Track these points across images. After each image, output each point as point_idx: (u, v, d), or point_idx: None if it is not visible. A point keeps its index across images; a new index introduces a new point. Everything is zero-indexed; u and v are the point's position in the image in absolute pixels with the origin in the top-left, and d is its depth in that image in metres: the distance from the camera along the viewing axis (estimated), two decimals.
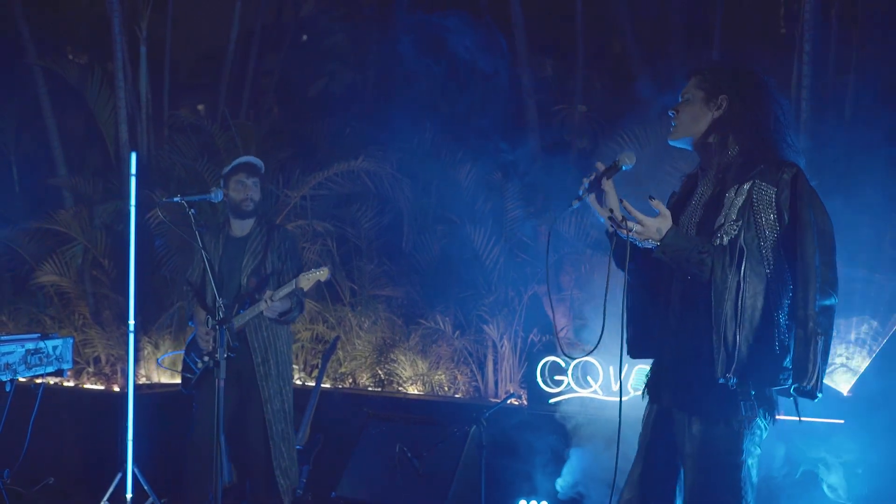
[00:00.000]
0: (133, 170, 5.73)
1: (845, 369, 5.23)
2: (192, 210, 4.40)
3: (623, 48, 8.54)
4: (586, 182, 2.89)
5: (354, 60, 10.17)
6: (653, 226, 2.74)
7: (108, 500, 5.51)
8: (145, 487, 5.54)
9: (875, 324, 5.21)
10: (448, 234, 7.40)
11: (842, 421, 4.95)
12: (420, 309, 7.46)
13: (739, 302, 2.69)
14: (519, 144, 8.03)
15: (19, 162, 9.71)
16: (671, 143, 3.02)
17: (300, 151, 8.60)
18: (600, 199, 2.90)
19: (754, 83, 2.92)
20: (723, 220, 2.77)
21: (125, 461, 5.52)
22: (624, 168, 2.90)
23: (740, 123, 2.87)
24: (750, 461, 2.78)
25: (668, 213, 2.76)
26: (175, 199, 4.56)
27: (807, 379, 2.66)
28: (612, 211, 2.79)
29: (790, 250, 2.72)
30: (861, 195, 5.27)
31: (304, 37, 11.38)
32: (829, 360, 5.18)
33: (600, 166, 2.90)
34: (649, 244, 2.76)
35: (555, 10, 9.12)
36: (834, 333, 2.76)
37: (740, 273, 2.70)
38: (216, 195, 4.75)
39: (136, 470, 5.53)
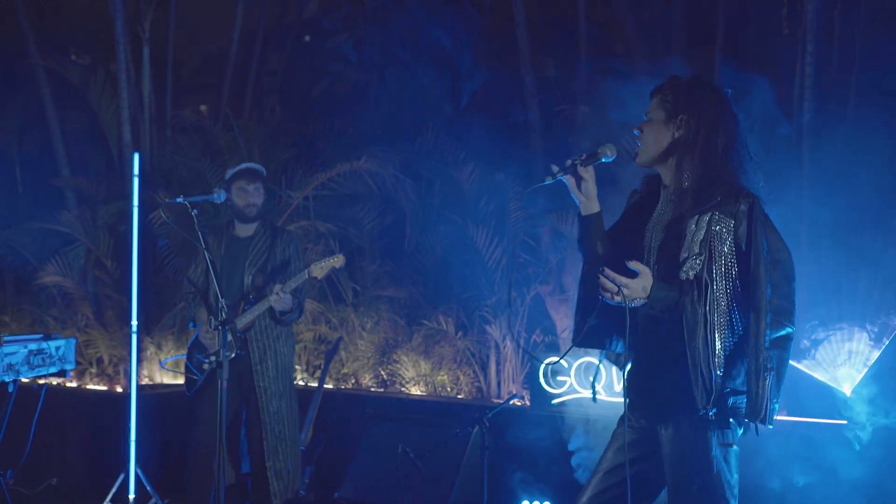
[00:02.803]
0: (136, 170, 5.74)
1: (847, 370, 5.22)
2: (195, 211, 4.40)
3: (626, 48, 8.53)
4: (568, 162, 2.97)
5: (357, 61, 10.18)
6: (638, 286, 2.77)
7: (110, 500, 5.52)
8: (148, 488, 5.54)
9: (875, 329, 5.20)
10: (450, 235, 7.40)
11: (844, 422, 4.95)
12: (422, 309, 7.46)
13: (708, 335, 2.74)
14: (521, 145, 8.03)
15: (22, 162, 9.72)
16: (638, 164, 3.06)
17: (303, 152, 8.60)
18: (579, 184, 3.00)
19: (712, 101, 2.93)
20: (686, 254, 2.81)
21: (128, 462, 5.53)
22: (604, 160, 2.98)
23: (697, 145, 2.89)
24: (721, 455, 2.81)
25: (647, 270, 2.79)
26: (178, 199, 4.55)
27: (755, 414, 2.72)
28: (603, 280, 2.80)
29: (745, 281, 2.78)
30: (864, 196, 5.26)
31: (307, 37, 11.40)
32: (831, 361, 5.19)
33: (582, 155, 2.98)
34: (637, 303, 2.79)
35: (558, 9, 9.12)
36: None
37: (706, 306, 2.75)
38: (219, 196, 4.74)
39: (138, 470, 5.54)
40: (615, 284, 2.76)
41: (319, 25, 10.74)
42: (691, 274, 2.79)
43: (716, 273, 2.77)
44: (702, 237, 2.80)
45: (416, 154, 7.88)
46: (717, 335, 2.75)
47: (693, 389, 2.75)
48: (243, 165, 5.21)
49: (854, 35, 6.88)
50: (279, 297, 4.79)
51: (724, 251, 2.78)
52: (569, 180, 2.98)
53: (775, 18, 8.56)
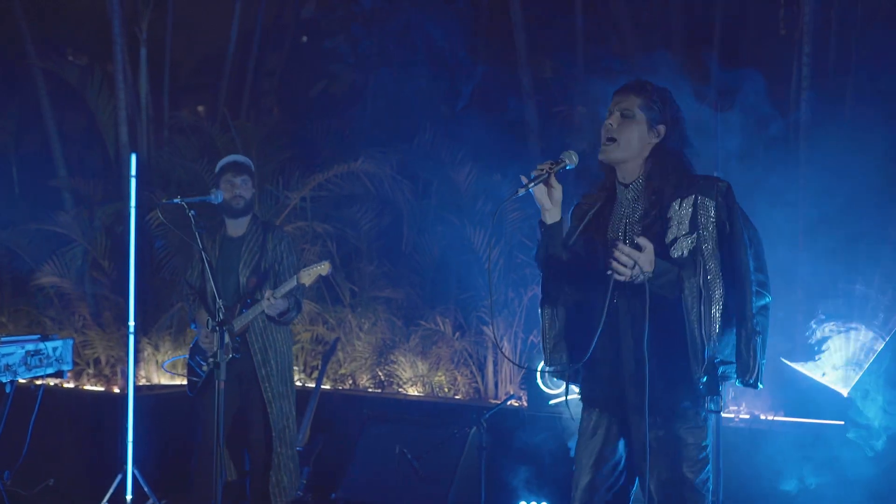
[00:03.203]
0: (133, 171, 5.74)
1: (845, 371, 5.23)
2: (193, 211, 4.40)
3: (623, 49, 8.54)
4: (534, 174, 2.98)
5: (355, 61, 10.19)
6: (647, 260, 2.83)
7: (108, 501, 5.52)
8: (145, 489, 5.54)
9: (872, 333, 5.21)
10: (448, 236, 7.40)
11: (841, 423, 4.95)
12: (420, 310, 7.46)
13: (702, 308, 2.86)
14: (519, 145, 8.04)
15: (19, 163, 9.72)
16: (605, 159, 3.06)
17: (300, 153, 8.60)
18: (549, 192, 3.03)
19: (678, 110, 3.09)
20: (676, 233, 2.93)
21: (125, 462, 5.52)
22: (568, 167, 3.02)
23: (674, 152, 3.05)
24: (708, 436, 3.00)
25: (651, 245, 2.84)
26: (175, 200, 4.56)
27: (749, 373, 2.89)
28: (619, 255, 2.83)
29: (728, 258, 2.93)
30: (861, 197, 5.27)
31: (304, 38, 11.39)
32: (830, 363, 5.20)
33: (550, 163, 3.01)
34: (646, 276, 2.84)
35: (555, 10, 9.13)
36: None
37: (700, 281, 2.88)
38: (216, 197, 4.76)
39: (136, 471, 5.54)
40: (631, 259, 2.80)
41: (317, 26, 10.75)
42: (685, 251, 2.90)
43: (705, 249, 2.90)
44: (689, 216, 2.92)
45: (413, 155, 7.88)
46: (711, 308, 2.87)
47: (690, 361, 2.85)
48: (230, 158, 5.19)
49: (851, 35, 6.89)
50: (271, 303, 4.78)
51: (709, 229, 2.91)
52: (538, 190, 3.01)
53: (772, 19, 8.57)
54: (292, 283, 4.81)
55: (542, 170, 2.98)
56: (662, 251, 2.91)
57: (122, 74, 7.99)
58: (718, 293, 2.87)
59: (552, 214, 3.05)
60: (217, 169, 5.14)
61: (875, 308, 5.30)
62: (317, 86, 10.47)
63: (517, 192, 2.96)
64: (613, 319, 3.00)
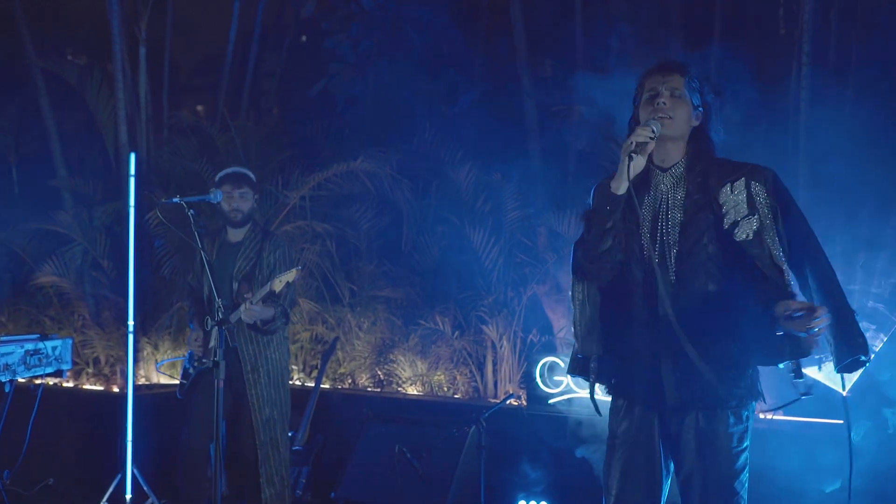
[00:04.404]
0: (132, 171, 5.74)
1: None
2: (192, 211, 4.38)
3: (623, 49, 8.55)
4: (647, 137, 2.82)
5: (355, 61, 10.20)
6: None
7: (107, 500, 5.52)
8: (145, 488, 5.54)
9: (871, 331, 5.20)
10: (447, 235, 7.40)
11: (841, 421, 4.95)
12: (419, 309, 7.46)
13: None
14: (518, 145, 8.04)
15: (19, 163, 9.73)
16: (662, 131, 2.87)
17: (300, 152, 8.61)
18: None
19: (712, 97, 3.01)
20: (735, 217, 2.83)
21: (125, 462, 5.52)
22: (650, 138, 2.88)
23: (710, 138, 2.98)
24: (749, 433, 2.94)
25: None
26: (174, 199, 4.53)
27: (866, 349, 2.82)
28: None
29: (796, 239, 2.85)
30: (860, 197, 5.27)
31: (304, 38, 11.40)
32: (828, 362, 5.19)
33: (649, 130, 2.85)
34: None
35: (555, 9, 9.14)
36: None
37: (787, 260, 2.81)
38: (215, 196, 4.72)
39: (135, 471, 5.53)
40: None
41: (317, 26, 10.75)
42: (751, 234, 2.80)
43: (769, 231, 2.81)
44: (745, 199, 2.83)
45: (413, 154, 7.88)
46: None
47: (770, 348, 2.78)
48: (229, 169, 5.09)
49: (851, 34, 6.90)
50: (247, 309, 4.71)
51: (766, 212, 2.82)
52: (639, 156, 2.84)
53: (772, 19, 8.58)
54: (265, 290, 4.73)
55: (651, 132, 2.81)
56: (720, 235, 2.83)
57: (121, 74, 7.99)
58: (783, 278, 2.77)
59: (625, 186, 2.84)
60: (216, 179, 5.08)
61: (874, 306, 5.30)
62: (317, 86, 10.48)
63: (649, 141, 2.78)
64: (664, 309, 2.84)
